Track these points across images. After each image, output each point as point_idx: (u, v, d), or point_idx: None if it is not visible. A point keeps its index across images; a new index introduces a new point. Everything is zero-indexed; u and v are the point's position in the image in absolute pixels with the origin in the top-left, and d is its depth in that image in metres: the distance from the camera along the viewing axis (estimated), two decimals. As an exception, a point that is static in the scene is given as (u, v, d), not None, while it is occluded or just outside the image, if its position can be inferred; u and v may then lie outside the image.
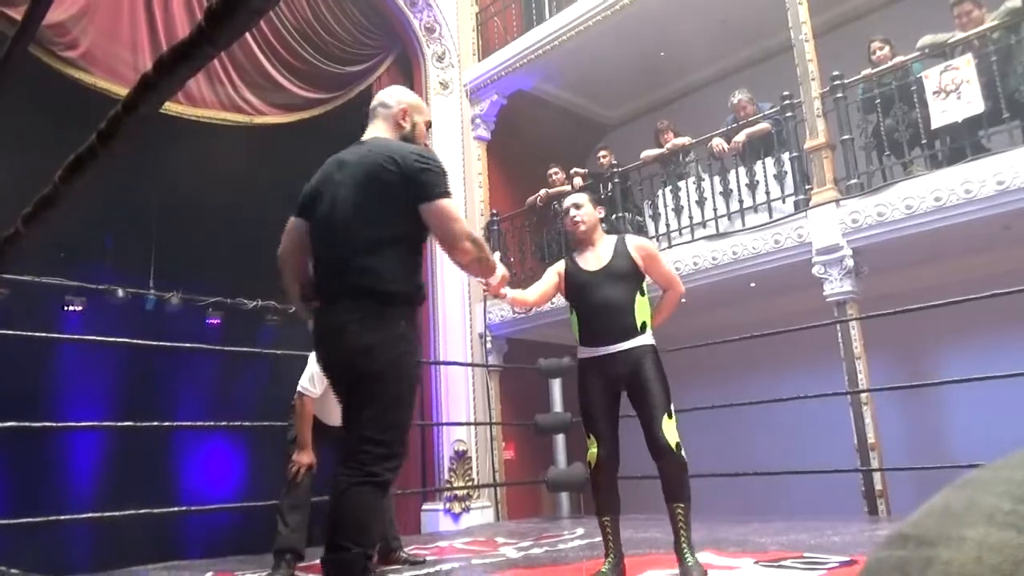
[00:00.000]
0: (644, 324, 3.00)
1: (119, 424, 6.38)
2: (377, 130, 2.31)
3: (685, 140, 6.79)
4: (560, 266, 3.22)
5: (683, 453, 2.92)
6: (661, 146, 6.94)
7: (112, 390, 7.28)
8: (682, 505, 2.89)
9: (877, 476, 5.20)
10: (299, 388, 3.83)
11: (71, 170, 0.91)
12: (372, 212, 2.09)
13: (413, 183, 2.08)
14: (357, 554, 1.91)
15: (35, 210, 1.01)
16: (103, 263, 7.38)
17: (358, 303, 2.06)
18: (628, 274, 3.01)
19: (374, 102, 2.39)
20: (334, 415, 3.99)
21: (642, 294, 3.04)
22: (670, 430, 2.90)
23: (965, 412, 6.01)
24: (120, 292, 6.88)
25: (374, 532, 2.08)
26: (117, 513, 4.21)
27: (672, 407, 2.96)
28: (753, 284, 6.52)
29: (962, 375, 5.36)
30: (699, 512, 5.59)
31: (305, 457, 3.77)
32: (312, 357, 3.92)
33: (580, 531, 4.93)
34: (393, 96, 2.38)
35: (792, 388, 5.82)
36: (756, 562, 3.23)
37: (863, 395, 5.33)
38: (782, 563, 3.17)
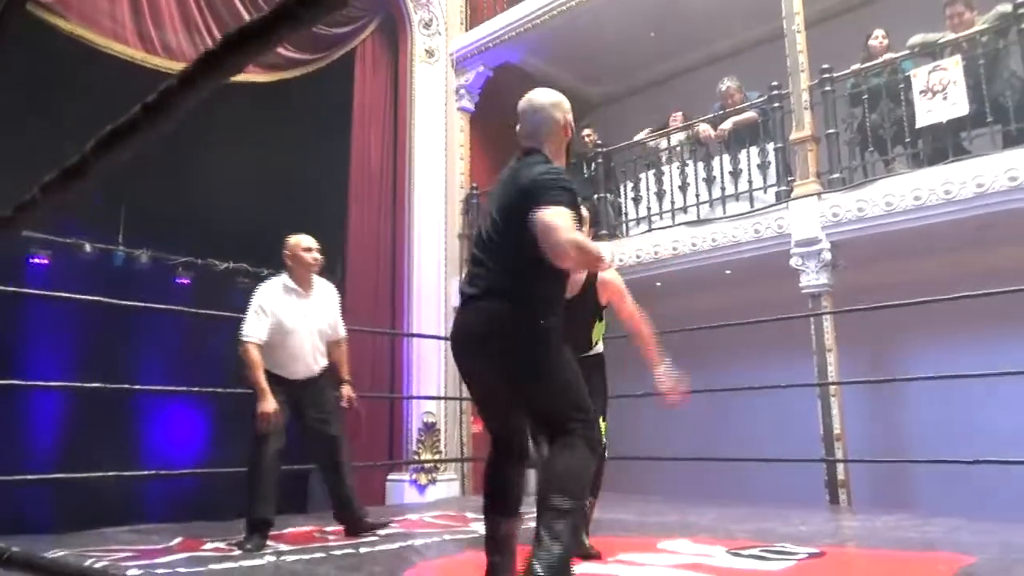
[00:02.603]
0: (597, 342, 3.33)
1: (85, 385, 6.23)
2: None
3: (677, 121, 6.78)
4: None
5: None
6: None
7: (76, 346, 7.10)
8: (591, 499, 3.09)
9: (840, 467, 5.31)
10: (241, 336, 3.75)
11: (106, 143, 0.86)
12: None
13: None
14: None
15: (59, 179, 0.96)
16: (71, 215, 7.15)
17: None
18: (594, 305, 3.24)
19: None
20: (290, 368, 3.89)
21: (600, 320, 3.30)
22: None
23: (924, 408, 6.15)
24: (88, 247, 6.69)
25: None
26: (88, 475, 4.15)
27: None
28: (728, 272, 6.57)
29: (924, 373, 5.50)
30: (669, 495, 5.69)
31: (267, 405, 3.66)
32: (255, 302, 3.82)
33: (549, 509, 4.96)
34: None
35: (762, 375, 5.91)
36: (728, 551, 3.28)
37: (831, 387, 5.42)
38: (753, 552, 3.23)
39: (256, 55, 0.68)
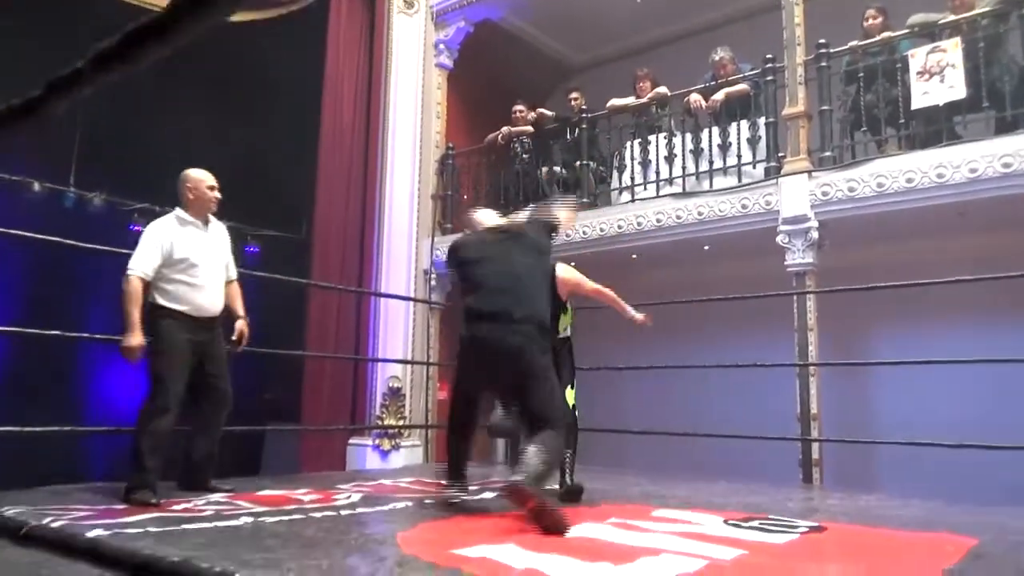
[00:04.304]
0: (565, 328, 4.19)
1: (12, 329, 5.78)
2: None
3: (663, 90, 6.59)
4: None
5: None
6: (637, 94, 6.73)
7: (18, 291, 6.65)
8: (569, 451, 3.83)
9: (815, 446, 5.29)
10: (127, 269, 3.61)
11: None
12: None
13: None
14: None
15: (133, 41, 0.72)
16: (19, 151, 6.66)
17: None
18: (556, 301, 4.05)
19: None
20: (196, 302, 3.75)
21: (565, 312, 4.14)
22: None
23: (897, 390, 6.20)
24: (36, 185, 6.23)
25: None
26: (46, 428, 3.85)
27: None
28: (707, 247, 6.48)
29: (901, 355, 5.50)
30: (644, 468, 5.60)
31: (134, 339, 3.55)
32: (146, 238, 3.69)
33: (525, 478, 4.81)
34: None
35: (742, 351, 5.85)
36: (726, 521, 3.18)
37: (810, 367, 5.38)
38: (754, 524, 3.14)
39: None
